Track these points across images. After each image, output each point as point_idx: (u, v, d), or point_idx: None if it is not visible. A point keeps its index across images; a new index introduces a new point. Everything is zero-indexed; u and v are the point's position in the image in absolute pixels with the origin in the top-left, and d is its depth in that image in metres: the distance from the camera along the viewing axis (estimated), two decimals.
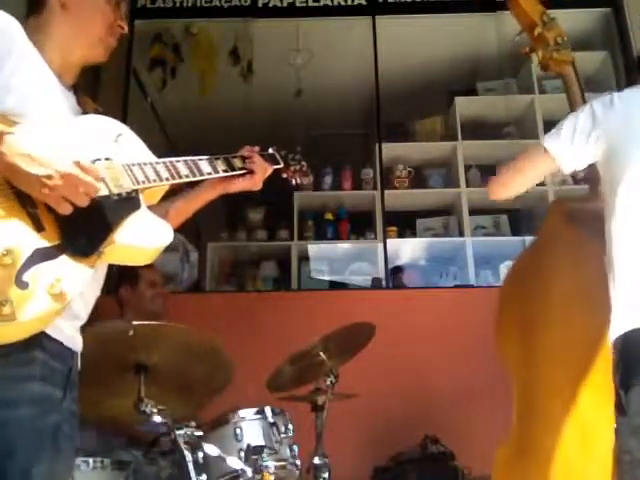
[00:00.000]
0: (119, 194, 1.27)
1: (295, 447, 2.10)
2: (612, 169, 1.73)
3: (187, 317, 2.53)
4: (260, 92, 4.25)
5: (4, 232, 1.11)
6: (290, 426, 2.12)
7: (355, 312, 3.18)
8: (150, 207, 1.37)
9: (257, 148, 1.71)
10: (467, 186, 4.18)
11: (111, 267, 1.42)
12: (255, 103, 4.18)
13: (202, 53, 4.35)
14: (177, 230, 1.48)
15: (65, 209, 1.16)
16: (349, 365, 2.46)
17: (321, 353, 2.35)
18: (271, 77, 4.41)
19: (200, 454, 1.89)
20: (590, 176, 1.96)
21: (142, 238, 1.30)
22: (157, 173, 1.38)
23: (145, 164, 1.37)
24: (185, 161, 1.48)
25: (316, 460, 2.24)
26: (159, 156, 1.43)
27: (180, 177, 1.44)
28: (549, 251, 2.05)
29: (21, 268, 1.10)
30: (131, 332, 1.87)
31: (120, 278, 2.81)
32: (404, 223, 4.31)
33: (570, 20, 3.28)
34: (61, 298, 1.13)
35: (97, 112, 1.45)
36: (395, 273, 4.08)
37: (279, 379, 2.38)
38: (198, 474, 1.87)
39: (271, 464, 1.95)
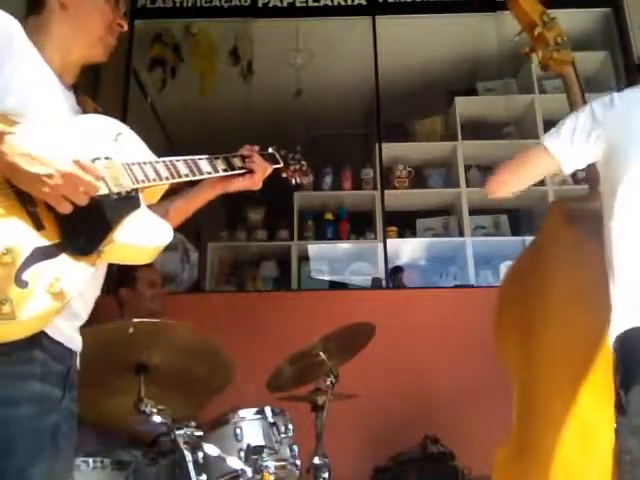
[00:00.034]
0: (119, 193, 1.27)
1: (295, 447, 2.10)
2: (612, 169, 1.73)
3: (187, 317, 2.52)
4: (260, 92, 4.26)
5: (4, 231, 1.11)
6: (290, 426, 2.12)
7: (355, 312, 3.18)
8: (150, 206, 1.37)
9: (257, 147, 1.71)
10: (467, 186, 4.18)
11: (111, 267, 1.42)
12: (255, 103, 4.18)
13: (202, 53, 4.35)
14: (177, 230, 1.47)
15: (65, 208, 1.16)
16: (349, 365, 2.46)
17: (321, 353, 2.35)
18: (271, 77, 4.41)
19: (200, 454, 1.89)
20: (590, 176, 1.96)
21: (142, 237, 1.30)
22: (157, 172, 1.38)
23: (145, 163, 1.37)
24: (185, 160, 1.48)
25: (316, 460, 2.24)
26: (159, 156, 1.43)
27: (180, 176, 1.44)
28: (549, 251, 2.05)
29: (21, 267, 1.10)
30: (131, 329, 1.87)
31: (120, 278, 2.81)
32: (404, 223, 4.32)
33: (570, 20, 3.28)
34: (61, 297, 1.13)
35: (97, 112, 1.45)
36: (395, 273, 4.08)
37: (279, 379, 2.38)
38: (198, 474, 1.87)
39: (271, 464, 1.95)
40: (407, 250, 4.33)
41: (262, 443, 2.02)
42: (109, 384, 1.99)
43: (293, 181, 1.85)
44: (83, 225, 1.20)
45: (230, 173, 1.61)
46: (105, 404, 2.02)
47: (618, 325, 1.60)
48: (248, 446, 1.98)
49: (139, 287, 2.79)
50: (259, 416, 2.09)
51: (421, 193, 4.38)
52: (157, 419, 1.89)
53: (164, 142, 4.84)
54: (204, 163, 1.53)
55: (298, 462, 2.08)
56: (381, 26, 4.21)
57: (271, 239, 4.40)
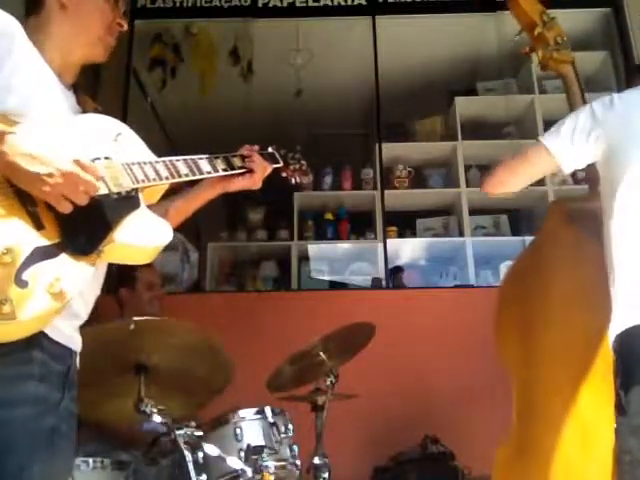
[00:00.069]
0: (119, 193, 1.27)
1: (295, 447, 2.10)
2: (612, 169, 1.73)
3: (187, 317, 2.52)
4: (260, 92, 4.26)
5: (4, 231, 1.11)
6: (290, 426, 2.12)
7: (355, 312, 3.18)
8: (150, 206, 1.38)
9: (256, 147, 1.71)
10: (467, 186, 4.18)
11: (111, 266, 1.42)
12: (255, 103, 4.18)
13: (202, 53, 4.35)
14: (177, 230, 1.48)
15: (65, 207, 1.16)
16: (349, 365, 2.46)
17: (321, 353, 2.35)
18: (271, 77, 4.41)
19: (200, 454, 1.88)
20: (590, 176, 1.96)
21: (142, 237, 1.30)
22: (157, 172, 1.38)
23: (145, 163, 1.37)
24: (185, 160, 1.48)
25: (316, 460, 2.24)
26: (159, 156, 1.43)
27: (180, 176, 1.44)
28: (549, 251, 2.05)
29: (21, 267, 1.10)
30: (132, 326, 1.87)
31: (120, 278, 2.80)
32: (404, 223, 4.31)
33: (570, 20, 3.28)
34: (61, 297, 1.13)
35: (97, 111, 1.45)
36: (395, 273, 4.08)
37: (279, 379, 2.38)
38: (198, 474, 1.86)
39: (271, 464, 1.95)
40: (407, 250, 4.33)
41: (262, 443, 2.01)
42: (109, 384, 1.99)
43: (293, 181, 1.85)
44: (83, 225, 1.20)
45: (230, 173, 1.61)
46: (105, 404, 2.02)
47: (618, 325, 1.60)
48: (248, 446, 1.98)
49: (138, 287, 2.79)
50: (259, 416, 2.08)
51: (421, 193, 4.38)
52: (157, 419, 1.88)
53: (164, 142, 4.84)
54: (204, 163, 1.53)
55: (298, 462, 2.08)
56: (381, 26, 4.21)
57: (271, 239, 4.40)
